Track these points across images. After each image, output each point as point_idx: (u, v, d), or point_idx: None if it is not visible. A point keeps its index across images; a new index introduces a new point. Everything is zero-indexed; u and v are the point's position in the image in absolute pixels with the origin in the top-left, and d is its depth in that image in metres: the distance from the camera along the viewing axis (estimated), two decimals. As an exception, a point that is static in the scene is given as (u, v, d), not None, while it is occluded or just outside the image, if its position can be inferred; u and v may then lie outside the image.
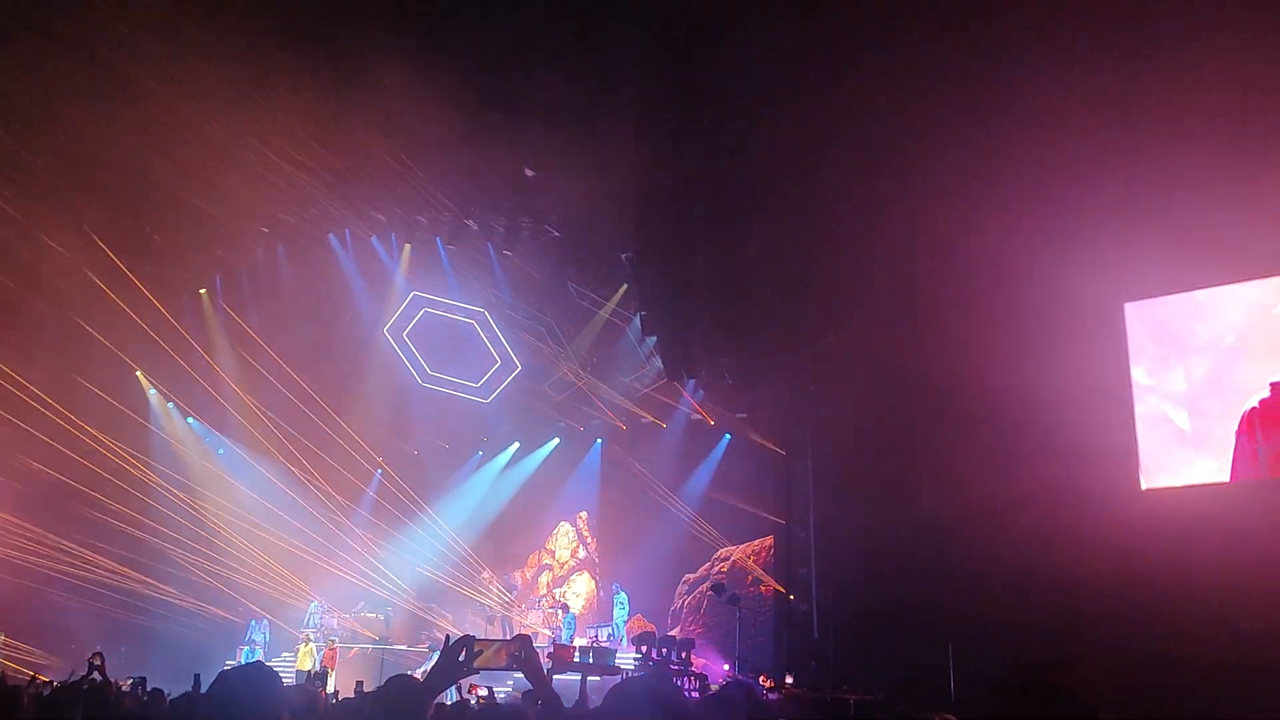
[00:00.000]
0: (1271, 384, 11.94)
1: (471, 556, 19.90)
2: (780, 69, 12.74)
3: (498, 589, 19.69)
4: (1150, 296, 13.35)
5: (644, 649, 13.90)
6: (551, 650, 13.23)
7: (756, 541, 17.61)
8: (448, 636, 3.29)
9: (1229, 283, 12.61)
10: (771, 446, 16.73)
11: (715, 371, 17.14)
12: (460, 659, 3.07)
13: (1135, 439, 13.05)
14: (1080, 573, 12.12)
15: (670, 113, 14.57)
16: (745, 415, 17.43)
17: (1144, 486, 12.84)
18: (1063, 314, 13.09)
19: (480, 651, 3.14)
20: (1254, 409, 12.08)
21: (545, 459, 20.57)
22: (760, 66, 12.81)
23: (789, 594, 16.05)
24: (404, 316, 18.81)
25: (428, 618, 19.44)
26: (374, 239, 18.06)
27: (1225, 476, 12.33)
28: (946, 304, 13.64)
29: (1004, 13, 11.64)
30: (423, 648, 17.99)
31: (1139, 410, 13.10)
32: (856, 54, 12.28)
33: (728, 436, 17.93)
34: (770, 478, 16.92)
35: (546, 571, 20.67)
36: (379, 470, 21.04)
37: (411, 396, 19.53)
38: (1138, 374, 13.26)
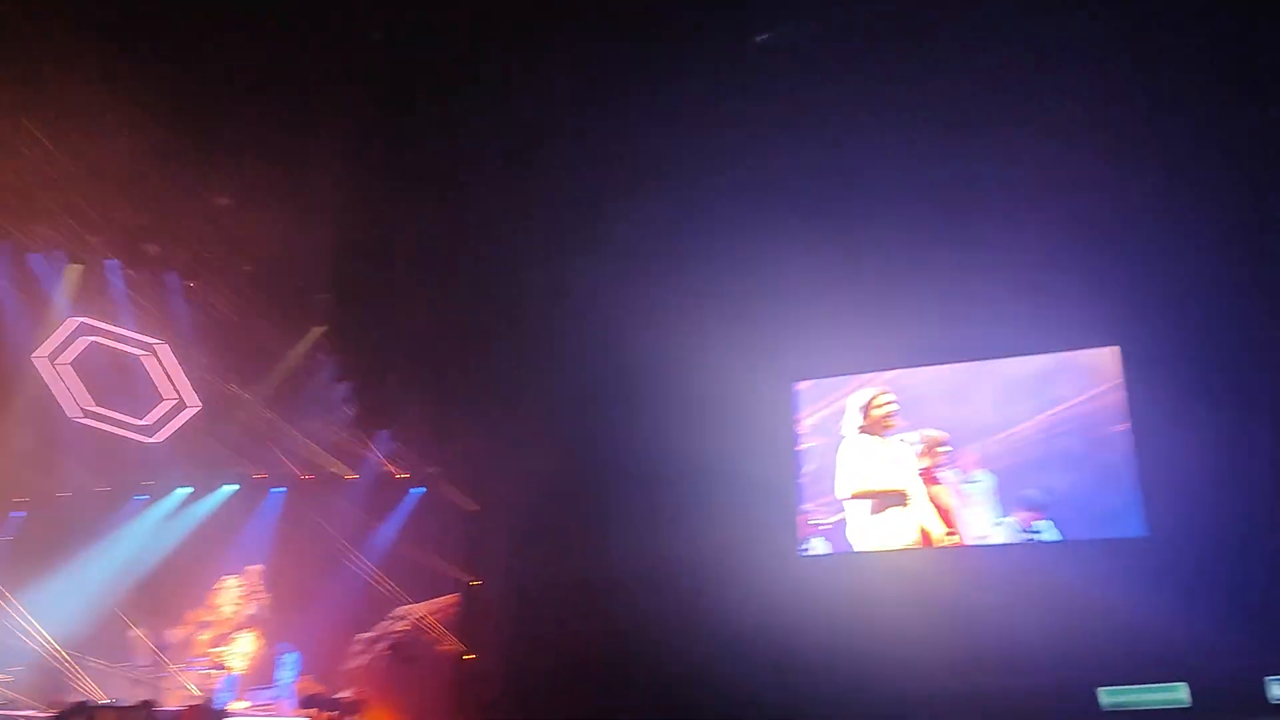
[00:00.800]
0: (923, 470, 13.45)
1: (123, 610, 18.11)
2: (492, 125, 12.86)
3: (150, 647, 17.98)
4: (819, 377, 14.66)
5: (312, 711, 13.38)
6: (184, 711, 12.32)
7: (440, 599, 17.26)
8: (64, 708, 2.96)
9: (888, 369, 14.13)
10: (463, 502, 16.59)
11: (409, 423, 16.83)
12: None
13: (798, 507, 14.19)
14: (745, 632, 12.93)
15: (380, 158, 14.26)
16: (437, 469, 17.17)
17: (804, 554, 13.95)
18: (741, 388, 14.07)
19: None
20: (912, 481, 13.59)
21: (218, 506, 19.18)
22: (472, 122, 12.87)
23: (470, 653, 15.87)
24: (62, 342, 16.99)
25: (67, 677, 17.39)
26: (33, 255, 16.26)
27: (880, 545, 13.68)
28: (634, 372, 14.23)
29: (699, 97, 12.38)
30: (51, 713, 16.05)
31: (803, 480, 14.29)
32: (561, 116, 12.61)
33: (418, 490, 17.56)
34: (460, 534, 16.73)
35: (208, 629, 19.11)
36: (22, 511, 18.81)
37: (65, 432, 17.61)
38: (804, 446, 14.49)
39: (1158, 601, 11.29)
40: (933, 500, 13.44)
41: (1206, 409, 11.67)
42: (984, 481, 13.21)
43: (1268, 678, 11.03)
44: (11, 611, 17.07)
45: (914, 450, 13.70)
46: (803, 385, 14.74)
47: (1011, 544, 12.82)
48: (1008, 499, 13.04)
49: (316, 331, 16.91)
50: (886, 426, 13.95)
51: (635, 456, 14.37)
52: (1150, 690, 11.36)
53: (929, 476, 13.59)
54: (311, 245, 14.79)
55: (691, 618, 13.54)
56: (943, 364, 13.87)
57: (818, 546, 13.90)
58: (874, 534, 13.64)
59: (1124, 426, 12.50)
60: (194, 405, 17.55)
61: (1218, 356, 12.04)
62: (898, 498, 13.60)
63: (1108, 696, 11.41)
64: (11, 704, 16.36)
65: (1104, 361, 12.86)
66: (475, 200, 13.81)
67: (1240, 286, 12.03)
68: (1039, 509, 12.81)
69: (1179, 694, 11.21)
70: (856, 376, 14.35)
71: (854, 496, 13.89)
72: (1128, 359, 12.71)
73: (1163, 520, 11.98)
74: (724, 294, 14.09)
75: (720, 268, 13.99)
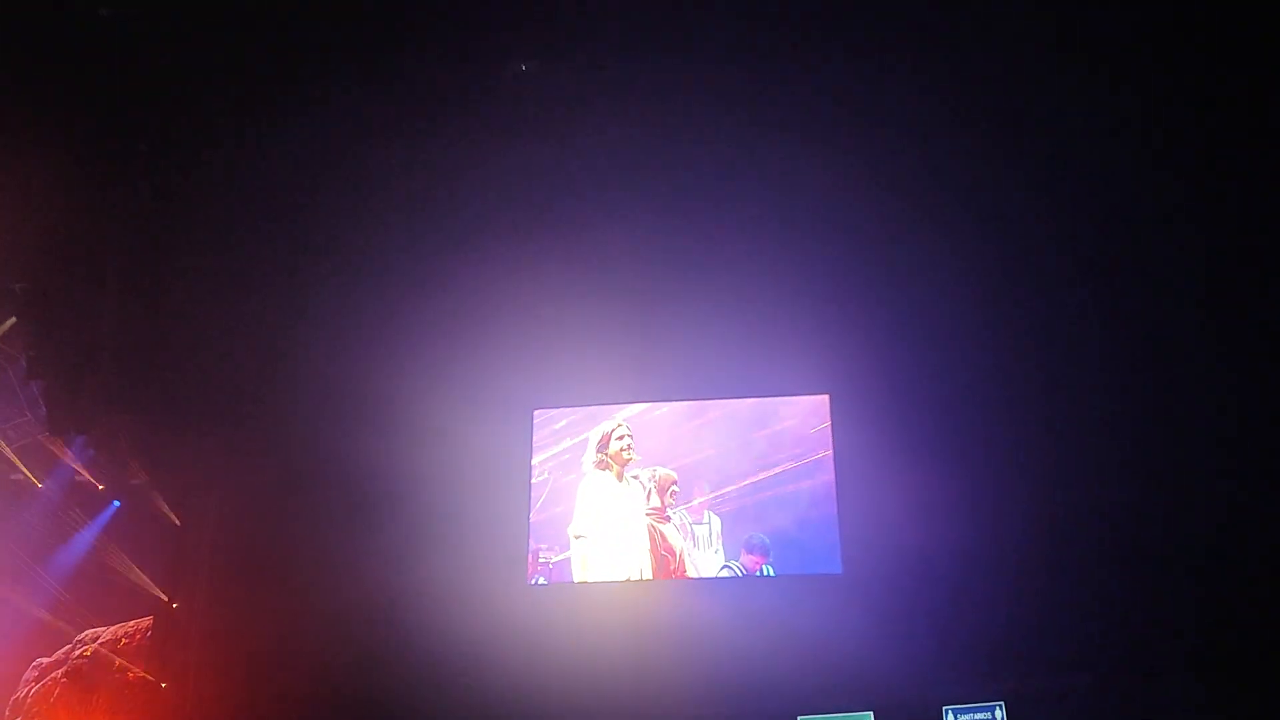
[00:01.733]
0: (654, 509, 13.72)
1: None
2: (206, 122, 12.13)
3: None
4: (557, 406, 14.70)
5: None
6: None
7: (133, 622, 15.89)
8: None
9: (625, 402, 14.35)
10: (167, 518, 15.38)
11: (112, 430, 15.43)
12: None
13: (528, 535, 14.11)
14: (474, 662, 12.71)
15: (94, 140, 13.06)
16: (141, 481, 15.82)
17: (532, 583, 13.88)
18: (478, 415, 13.89)
19: None
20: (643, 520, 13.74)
21: None
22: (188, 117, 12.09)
23: (160, 682, 14.68)
24: None
25: None
26: None
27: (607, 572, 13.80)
28: (365, 392, 13.74)
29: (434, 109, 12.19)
30: None
31: (536, 506, 14.25)
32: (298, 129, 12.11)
33: (116, 503, 16.10)
34: (161, 552, 15.50)
35: None
36: None
37: None
38: (538, 479, 14.43)
39: (849, 634, 12.08)
40: (663, 540, 13.66)
41: (903, 454, 12.66)
42: (712, 524, 13.56)
43: (945, 707, 12.00)
44: None
45: (646, 489, 13.92)
46: (540, 414, 14.71)
47: (727, 578, 13.27)
48: (733, 542, 13.45)
49: (10, 321, 15.23)
50: (624, 462, 14.10)
51: (361, 480, 13.84)
52: (840, 718, 12.08)
53: (660, 516, 13.79)
54: (10, 226, 13.33)
55: (411, 648, 13.17)
56: (676, 400, 14.22)
57: (545, 580, 13.87)
58: (601, 571, 13.75)
59: (829, 469, 13.32)
60: None
61: (917, 405, 13.09)
62: (629, 536, 13.74)
63: (803, 724, 12.05)
64: None
65: (816, 407, 13.65)
66: (194, 200, 12.93)
67: (940, 337, 13.16)
68: (763, 553, 13.31)
69: (865, 721, 12.01)
70: (596, 408, 14.46)
71: (583, 535, 13.92)
72: (835, 405, 13.56)
73: (857, 558, 12.83)
74: (465, 316, 13.90)
75: (462, 290, 13.79)
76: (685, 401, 14.16)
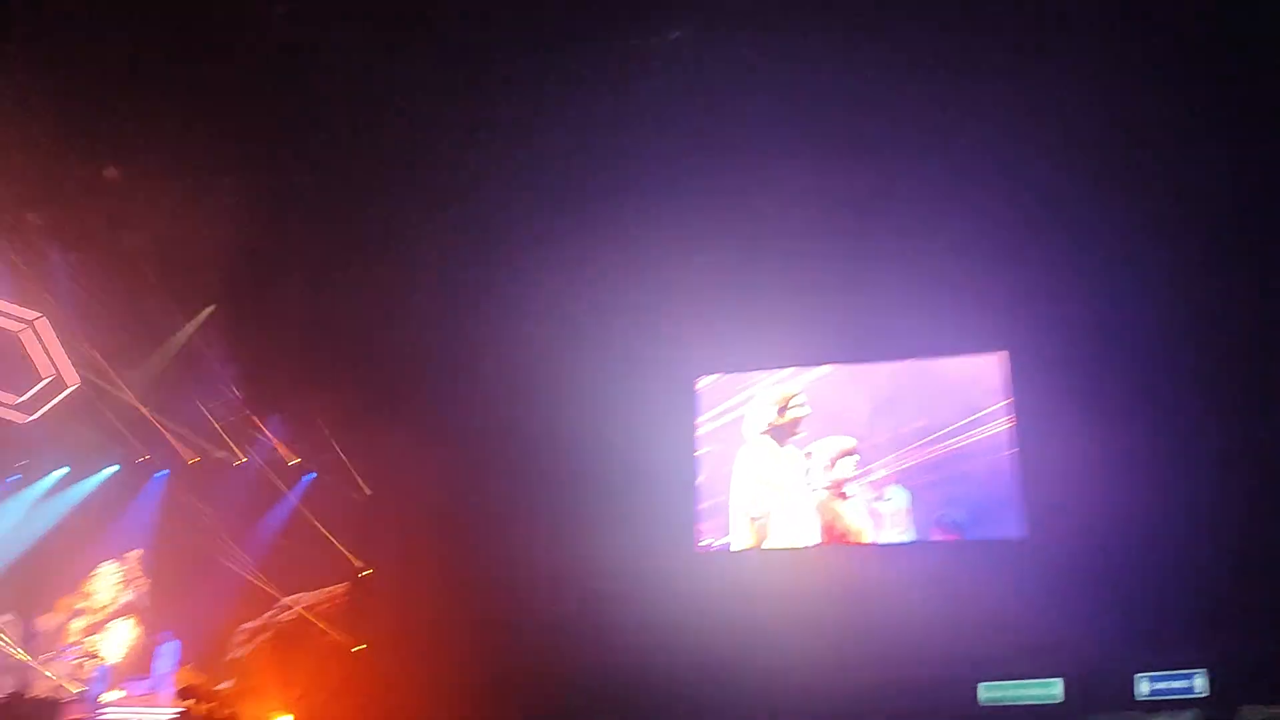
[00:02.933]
0: (830, 484, 13.42)
1: (-10, 595, 17.27)
2: (392, 121, 12.61)
3: (17, 635, 17.19)
4: (721, 373, 14.72)
5: (190, 702, 12.97)
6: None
7: (330, 589, 16.88)
8: None
9: (793, 366, 14.19)
10: (358, 488, 16.25)
11: (303, 407, 16.40)
12: None
13: (696, 505, 14.23)
14: (646, 633, 12.93)
15: (280, 141, 13.83)
16: (330, 456, 16.76)
17: (702, 549, 14.01)
18: (641, 385, 14.04)
19: None
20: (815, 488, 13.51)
21: (97, 488, 18.41)
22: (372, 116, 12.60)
23: (356, 645, 15.57)
24: (-70, 313, 16.07)
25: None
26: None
27: (776, 543, 13.74)
28: (536, 367, 14.10)
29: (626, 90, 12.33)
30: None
31: (702, 476, 14.31)
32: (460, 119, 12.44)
33: (309, 476, 17.12)
34: (354, 522, 16.39)
35: (81, 616, 18.36)
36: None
37: (-69, 407, 16.68)
38: (704, 445, 14.49)
39: (1036, 600, 11.70)
40: (839, 520, 13.17)
41: (1088, 413, 12.11)
42: (896, 500, 12.97)
43: (1138, 674, 11.49)
44: None
45: (820, 461, 13.54)
46: (704, 382, 14.75)
47: (903, 543, 13.01)
48: (923, 519, 12.88)
49: (207, 310, 16.34)
50: (793, 430, 13.83)
51: (534, 452, 14.25)
52: (1026, 685, 11.74)
53: (837, 492, 13.34)
54: (206, 222, 14.27)
55: (585, 612, 13.52)
56: (846, 363, 13.90)
57: (714, 546, 13.93)
58: (768, 539, 13.66)
59: (1009, 429, 12.83)
60: (73, 382, 16.81)
61: (1099, 362, 12.49)
62: (794, 505, 13.53)
63: (986, 691, 11.76)
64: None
65: (993, 365, 13.18)
66: (378, 194, 13.50)
67: (1125, 293, 12.49)
68: (958, 531, 12.69)
69: (1053, 689, 11.63)
70: (761, 374, 14.32)
71: (750, 506, 13.76)
72: (1014, 363, 13.07)
73: (1042, 521, 12.39)
74: (626, 287, 14.03)
75: (624, 260, 13.91)
76: (856, 365, 13.87)
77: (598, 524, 13.77)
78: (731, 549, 13.86)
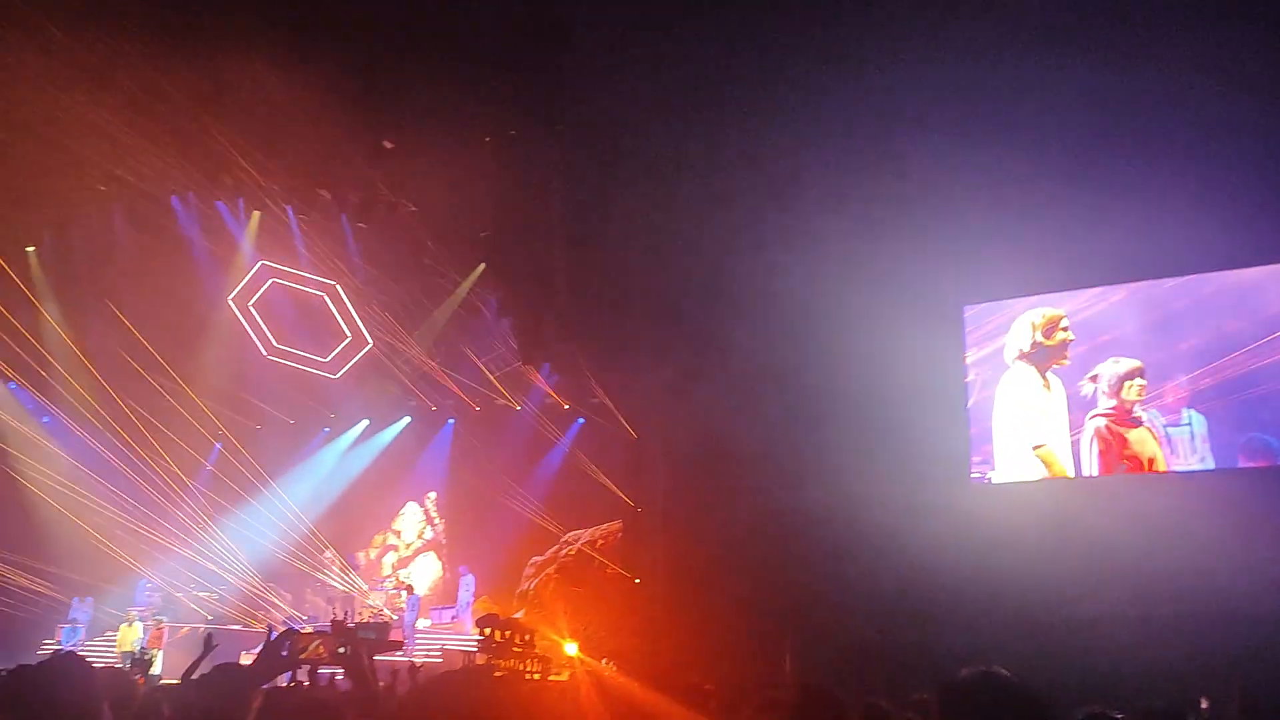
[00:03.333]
0: (1113, 409, 12.56)
1: (314, 535, 19.36)
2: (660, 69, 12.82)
3: (340, 569, 19.25)
4: (988, 300, 14.07)
5: (486, 630, 13.90)
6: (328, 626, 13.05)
7: (606, 525, 17.76)
8: (270, 629, 3.26)
9: (1063, 290, 13.34)
10: (625, 429, 16.88)
11: (570, 355, 17.18)
12: (283, 654, 3.04)
13: (969, 435, 13.76)
14: (920, 560, 12.72)
15: (538, 97, 14.45)
16: (599, 400, 17.52)
17: (976, 480, 13.56)
18: (908, 314, 13.64)
19: (304, 646, 3.12)
20: (1094, 414, 12.71)
21: (395, 438, 20.20)
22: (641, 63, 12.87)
23: (634, 578, 16.27)
24: (250, 285, 18.09)
25: (266, 596, 18.86)
26: (219, 204, 17.27)
27: (1049, 472, 13.11)
28: (800, 302, 14.00)
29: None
30: (260, 627, 17.45)
31: (970, 406, 13.81)
32: (722, 62, 12.44)
33: (581, 420, 17.99)
34: (622, 462, 17.07)
35: (392, 552, 20.33)
36: (218, 444, 20.23)
37: (255, 369, 18.84)
38: (972, 373, 13.96)
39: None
40: (1124, 446, 12.17)
41: None
42: (1194, 424, 11.69)
43: None
44: (215, 537, 18.57)
45: (1103, 384, 12.62)
46: (972, 310, 14.17)
47: (1187, 471, 11.99)
48: (1224, 446, 11.56)
49: (480, 268, 17.39)
50: (1061, 357, 13.08)
51: (798, 387, 14.20)
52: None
53: (1123, 417, 12.18)
54: (472, 184, 15.15)
55: (856, 548, 13.45)
56: (1129, 282, 12.86)
57: (990, 476, 13.44)
58: (1033, 469, 13.02)
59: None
60: (368, 342, 18.48)
61: None
62: (1061, 432, 12.80)
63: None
64: (220, 619, 17.89)
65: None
66: (636, 146, 13.81)
67: None
68: (1268, 456, 11.29)
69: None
70: (1031, 299, 13.58)
71: (1022, 436, 13.15)
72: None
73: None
74: (890, 218, 13.61)
75: (888, 191, 13.50)
76: (1139, 282, 12.82)
77: (866, 457, 13.56)
78: (1005, 480, 13.32)
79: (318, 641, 2.57)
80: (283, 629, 3.14)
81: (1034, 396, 13.13)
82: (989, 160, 12.26)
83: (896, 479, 13.31)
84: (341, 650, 2.78)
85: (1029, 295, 13.65)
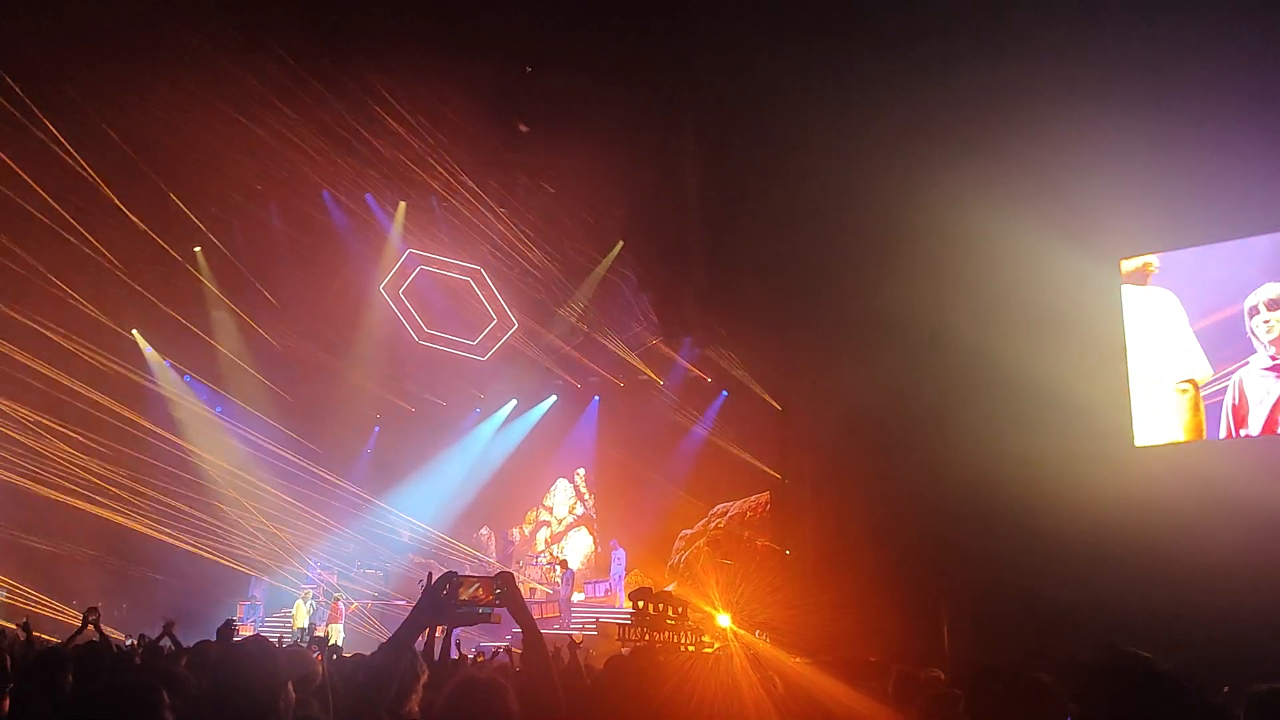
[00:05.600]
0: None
1: (470, 513, 19.99)
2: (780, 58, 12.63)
3: (496, 544, 19.83)
4: (1148, 252, 13.29)
5: (640, 604, 14.03)
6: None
7: (754, 497, 17.70)
8: (429, 574, 3.32)
9: (1227, 239, 12.52)
10: (769, 402, 16.75)
11: (711, 329, 17.14)
12: (444, 594, 3.10)
13: (1129, 396, 13.07)
14: (1080, 528, 12.20)
15: (667, 79, 14.41)
16: (743, 372, 17.44)
17: (1138, 444, 12.89)
18: (1060, 275, 13.04)
19: (464, 587, 3.16)
20: (1244, 369, 12.02)
21: (542, 416, 20.60)
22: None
23: (784, 550, 16.17)
24: (399, 274, 18.73)
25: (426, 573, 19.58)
26: (368, 196, 17.91)
27: (1212, 434, 12.38)
28: (944, 267, 13.56)
29: None
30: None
31: (1130, 368, 13.11)
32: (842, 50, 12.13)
33: (724, 393, 17.94)
34: (767, 434, 16.98)
35: (545, 528, 20.79)
36: (376, 427, 21.07)
37: (407, 353, 19.53)
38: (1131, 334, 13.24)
39: None
40: None
41: None
42: None
43: None
44: (377, 513, 19.41)
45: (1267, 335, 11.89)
46: (1130, 263, 13.40)
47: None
48: None
49: (618, 246, 17.50)
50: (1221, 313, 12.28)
51: (948, 353, 13.77)
52: None
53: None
54: (606, 163, 15.24)
55: (1013, 521, 12.99)
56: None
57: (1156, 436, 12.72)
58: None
59: None
60: (513, 324, 18.87)
61: None
62: (1248, 396, 12.06)
63: None
64: (385, 595, 18.72)
65: None
66: (776, 120, 13.63)
67: None
68: None
69: None
70: (1188, 251, 12.80)
71: (1180, 395, 12.45)
72: None
73: None
74: (1040, 175, 12.99)
75: (1034, 148, 12.91)
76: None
77: (1025, 426, 13.08)
78: (1169, 442, 12.62)
79: (477, 584, 2.62)
80: (446, 572, 3.19)
81: (1191, 358, 12.41)
82: (1143, 112, 11.60)
83: (1054, 443, 12.82)
84: (499, 590, 2.81)
85: (1187, 248, 12.86)
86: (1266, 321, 11.94)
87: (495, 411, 21.08)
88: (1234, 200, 12.05)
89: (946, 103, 12.61)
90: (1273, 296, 12.06)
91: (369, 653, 3.14)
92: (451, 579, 3.13)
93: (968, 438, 13.49)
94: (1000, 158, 12.75)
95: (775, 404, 16.67)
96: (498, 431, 20.81)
